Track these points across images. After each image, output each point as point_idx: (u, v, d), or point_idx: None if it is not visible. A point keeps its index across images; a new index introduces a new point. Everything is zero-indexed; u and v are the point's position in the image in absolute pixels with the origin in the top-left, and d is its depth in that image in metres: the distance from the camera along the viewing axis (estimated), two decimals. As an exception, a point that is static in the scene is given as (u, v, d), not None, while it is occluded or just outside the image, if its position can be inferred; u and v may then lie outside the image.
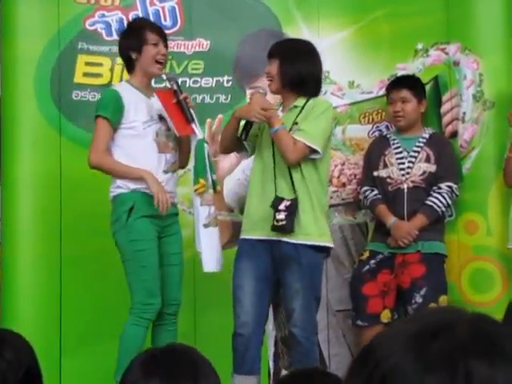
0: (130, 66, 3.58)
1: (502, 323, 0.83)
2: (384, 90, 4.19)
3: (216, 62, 4.21)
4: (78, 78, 4.11)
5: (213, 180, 3.49)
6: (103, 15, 4.15)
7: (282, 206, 3.34)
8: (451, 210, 4.14)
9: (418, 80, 4.09)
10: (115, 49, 4.14)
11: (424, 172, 3.96)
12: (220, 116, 4.15)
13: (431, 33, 4.23)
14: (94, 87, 4.11)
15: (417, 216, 3.89)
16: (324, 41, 4.22)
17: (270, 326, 4.07)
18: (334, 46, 4.19)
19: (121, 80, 4.11)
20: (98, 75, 4.14)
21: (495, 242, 4.09)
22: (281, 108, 3.56)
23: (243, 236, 3.51)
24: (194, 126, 3.51)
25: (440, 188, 3.93)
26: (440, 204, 3.91)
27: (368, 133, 4.27)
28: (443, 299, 3.87)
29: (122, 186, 3.48)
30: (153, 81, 3.68)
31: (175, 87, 3.54)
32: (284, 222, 3.33)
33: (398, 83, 4.05)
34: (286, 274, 3.40)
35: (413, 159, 3.99)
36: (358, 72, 4.27)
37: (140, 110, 3.51)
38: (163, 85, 3.86)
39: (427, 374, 0.76)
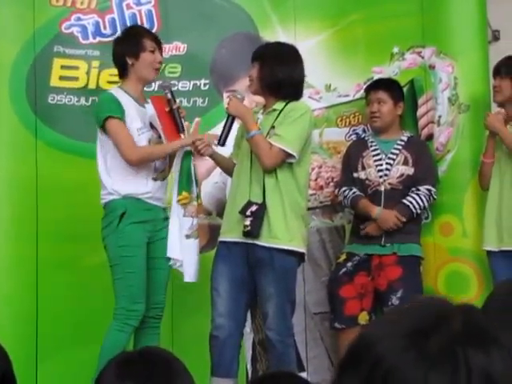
0: (123, 71, 3.57)
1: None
2: (360, 93, 4.22)
3: (193, 65, 4.21)
4: (54, 82, 4.08)
5: (196, 193, 3.52)
6: (79, 18, 4.14)
7: (248, 212, 3.38)
8: (427, 212, 4.17)
9: (396, 83, 4.13)
10: (91, 52, 4.13)
11: (402, 174, 3.99)
12: (197, 119, 4.15)
13: (407, 37, 4.26)
14: (70, 91, 4.09)
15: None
16: (301, 44, 4.22)
17: (247, 328, 4.07)
18: (310, 50, 4.21)
19: (97, 83, 4.10)
20: (74, 79, 4.12)
21: (471, 243, 4.12)
22: (261, 110, 3.58)
23: (220, 238, 3.52)
24: (183, 136, 3.53)
25: (419, 190, 3.96)
26: (416, 205, 3.94)
27: (345, 136, 4.29)
28: (419, 301, 3.89)
29: (113, 193, 3.49)
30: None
31: (169, 96, 3.55)
32: (249, 228, 3.37)
33: (376, 84, 4.09)
34: (260, 278, 3.41)
35: (391, 161, 4.02)
36: (335, 75, 4.28)
37: (133, 116, 3.52)
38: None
39: (430, 371, 0.76)
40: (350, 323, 3.92)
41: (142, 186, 3.50)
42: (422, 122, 4.25)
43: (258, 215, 3.37)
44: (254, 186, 3.43)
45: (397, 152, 4.03)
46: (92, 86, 4.10)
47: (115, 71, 4.19)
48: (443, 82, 4.22)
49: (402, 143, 4.05)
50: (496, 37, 4.82)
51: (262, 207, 3.39)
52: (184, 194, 3.48)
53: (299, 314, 4.03)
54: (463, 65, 4.18)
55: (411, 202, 3.93)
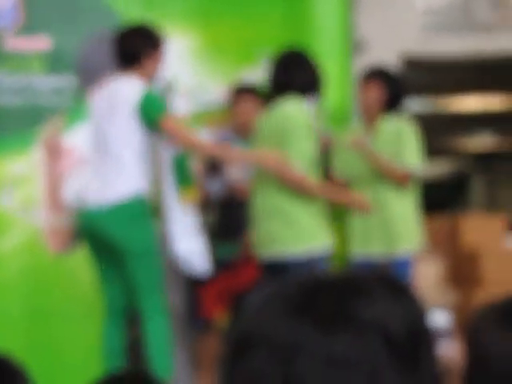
0: (131, 63, 3.54)
1: None
2: (229, 96, 4.24)
3: (58, 61, 4.10)
4: None
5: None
6: None
7: None
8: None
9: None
10: None
11: None
12: (60, 118, 4.05)
13: (272, 41, 4.31)
14: None
15: None
16: (172, 45, 4.21)
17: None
18: (180, 51, 4.19)
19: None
20: None
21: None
22: None
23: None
24: None
25: None
26: None
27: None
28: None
29: (136, 189, 3.39)
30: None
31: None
32: None
33: (243, 90, 4.10)
34: None
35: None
36: (204, 77, 4.29)
37: None
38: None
39: (329, 336, 0.73)
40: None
41: (145, 184, 3.48)
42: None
43: None
44: None
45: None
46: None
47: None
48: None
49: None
50: (362, 46, 4.95)
51: None
52: (192, 188, 3.52)
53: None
54: (326, 72, 4.27)
55: None
